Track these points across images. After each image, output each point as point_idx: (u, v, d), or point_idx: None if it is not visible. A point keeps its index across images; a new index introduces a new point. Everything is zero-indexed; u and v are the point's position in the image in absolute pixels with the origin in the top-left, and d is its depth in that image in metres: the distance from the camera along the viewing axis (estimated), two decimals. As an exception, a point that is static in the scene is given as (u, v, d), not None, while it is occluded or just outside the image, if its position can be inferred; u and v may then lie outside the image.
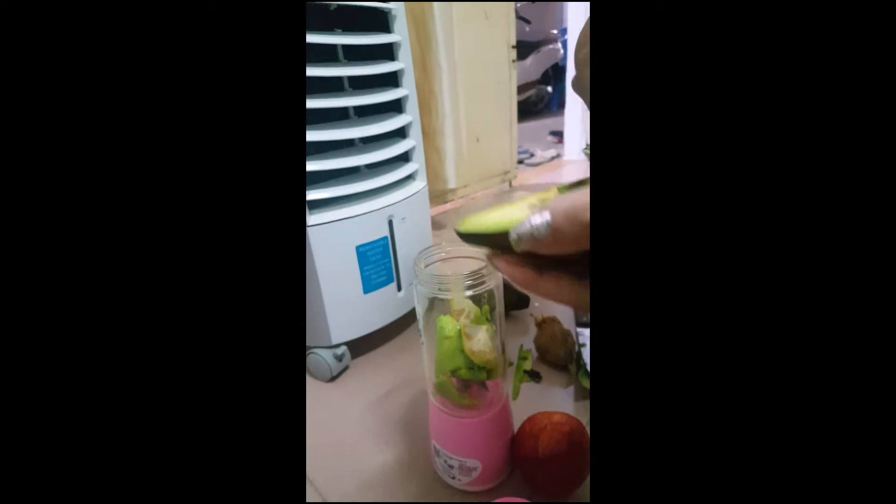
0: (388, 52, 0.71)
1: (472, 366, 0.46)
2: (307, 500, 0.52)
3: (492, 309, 0.47)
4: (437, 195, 1.41)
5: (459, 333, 0.46)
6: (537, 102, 3.63)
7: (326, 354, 0.69)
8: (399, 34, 0.69)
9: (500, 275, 0.46)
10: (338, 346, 0.71)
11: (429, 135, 1.30)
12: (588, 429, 0.48)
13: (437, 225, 1.38)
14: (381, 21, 0.69)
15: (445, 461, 0.50)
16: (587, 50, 0.48)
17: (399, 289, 0.76)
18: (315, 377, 0.72)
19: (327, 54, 0.65)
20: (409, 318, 0.84)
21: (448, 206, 1.58)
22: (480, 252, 0.47)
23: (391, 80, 0.72)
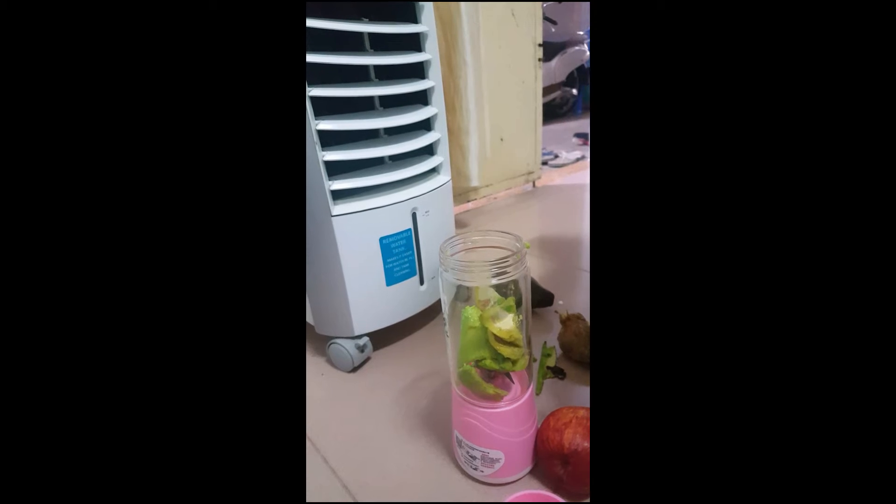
0: (415, 43, 0.71)
1: (496, 356, 0.45)
2: (330, 491, 0.52)
3: (518, 301, 0.46)
4: (460, 193, 1.41)
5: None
6: (562, 105, 3.59)
7: (348, 345, 0.69)
8: (426, 25, 0.69)
9: (527, 266, 0.45)
10: (360, 337, 0.71)
11: (453, 132, 1.29)
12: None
13: (459, 224, 1.38)
14: (409, 13, 0.69)
15: (468, 452, 0.49)
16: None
17: (422, 282, 0.76)
18: (337, 367, 0.73)
19: (354, 43, 0.65)
20: (430, 313, 0.84)
21: (470, 205, 1.57)
22: (507, 243, 0.47)
23: (418, 71, 0.72)
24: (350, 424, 0.61)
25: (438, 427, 0.59)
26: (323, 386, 0.69)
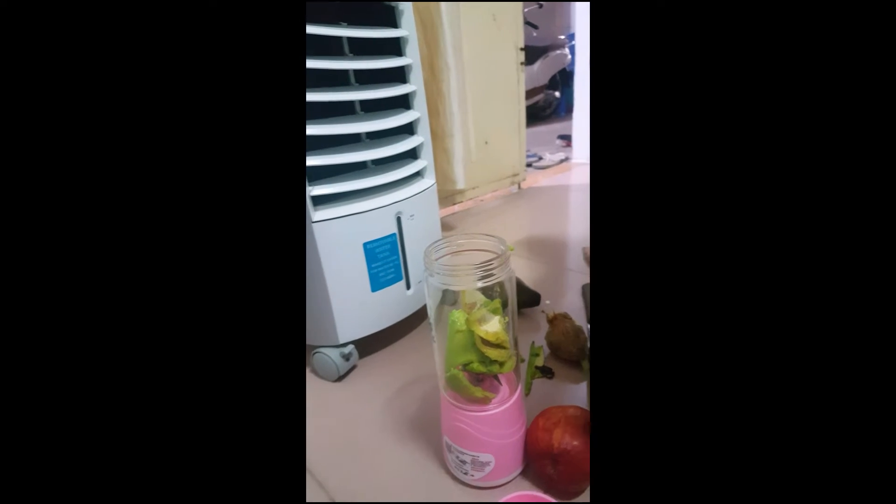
0: (395, 47, 0.70)
1: (484, 359, 0.45)
2: (317, 501, 0.50)
3: (504, 303, 0.46)
4: (446, 196, 1.41)
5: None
6: (545, 108, 3.63)
7: (333, 354, 0.68)
8: (407, 29, 0.69)
9: (511, 268, 0.45)
10: (345, 345, 0.70)
11: (437, 136, 1.29)
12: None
13: (445, 226, 1.38)
14: (388, 17, 0.69)
15: (458, 456, 0.48)
16: None
17: (408, 287, 0.75)
18: (322, 377, 0.71)
19: (332, 47, 0.64)
20: (417, 318, 0.83)
21: (457, 207, 1.57)
22: (491, 245, 0.46)
23: (398, 75, 0.72)
24: (336, 435, 0.60)
25: (427, 433, 0.58)
26: (308, 396, 0.68)
